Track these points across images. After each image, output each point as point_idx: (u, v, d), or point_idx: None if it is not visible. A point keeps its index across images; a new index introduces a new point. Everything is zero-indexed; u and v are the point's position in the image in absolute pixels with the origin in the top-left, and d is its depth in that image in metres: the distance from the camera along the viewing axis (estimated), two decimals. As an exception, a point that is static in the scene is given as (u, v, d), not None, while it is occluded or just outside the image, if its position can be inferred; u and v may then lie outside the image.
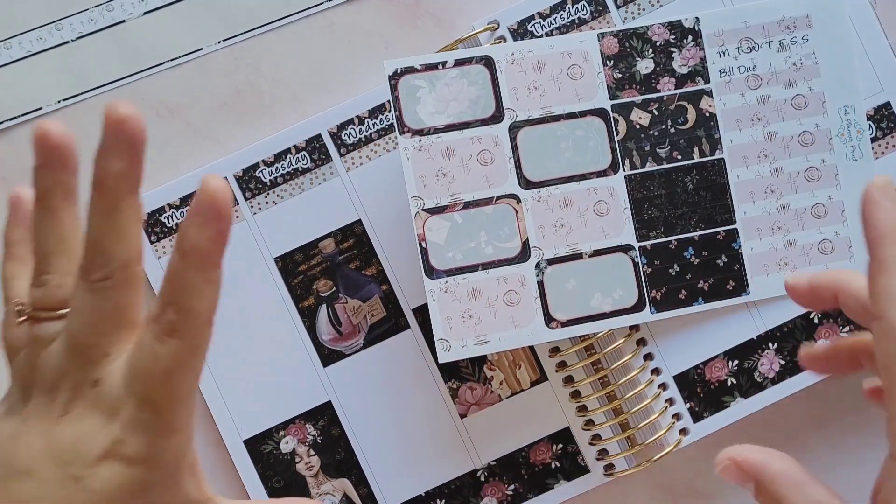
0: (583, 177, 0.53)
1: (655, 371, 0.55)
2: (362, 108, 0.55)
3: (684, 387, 0.55)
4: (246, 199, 0.55)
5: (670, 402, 0.55)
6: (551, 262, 0.52)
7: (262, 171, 0.55)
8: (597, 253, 0.53)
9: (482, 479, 0.55)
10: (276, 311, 0.55)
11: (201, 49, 0.56)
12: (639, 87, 0.53)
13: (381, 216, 0.56)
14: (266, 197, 0.55)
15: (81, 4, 0.55)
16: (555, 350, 0.55)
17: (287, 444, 0.55)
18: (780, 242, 0.54)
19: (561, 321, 0.52)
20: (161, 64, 0.56)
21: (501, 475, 0.55)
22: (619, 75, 0.53)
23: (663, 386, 0.55)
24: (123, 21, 0.56)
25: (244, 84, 0.56)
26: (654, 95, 0.53)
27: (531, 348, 0.55)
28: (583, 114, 0.53)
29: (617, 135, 0.53)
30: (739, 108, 0.54)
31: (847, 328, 0.55)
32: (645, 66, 0.53)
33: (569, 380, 0.55)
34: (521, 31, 0.54)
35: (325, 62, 0.56)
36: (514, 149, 0.52)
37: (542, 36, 0.54)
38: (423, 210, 0.52)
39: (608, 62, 0.53)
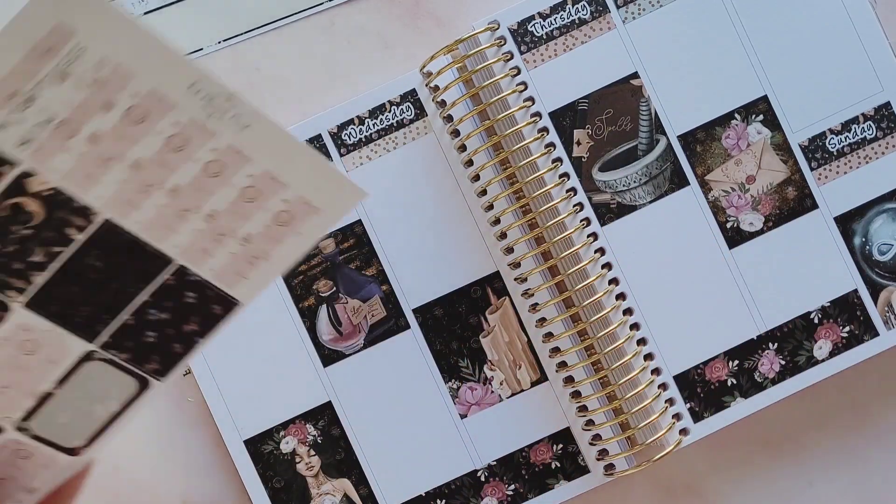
0: None
1: (655, 371, 0.55)
2: (362, 108, 0.55)
3: (684, 387, 0.55)
4: (246, 199, 0.55)
5: (670, 402, 0.55)
6: (28, 417, 0.45)
7: (262, 171, 0.55)
8: (64, 380, 0.45)
9: (482, 479, 0.55)
10: (276, 311, 0.55)
11: (201, 49, 0.56)
12: None
13: (382, 216, 0.56)
14: (266, 197, 0.55)
15: (81, 4, 0.55)
16: (555, 350, 0.55)
17: (287, 444, 0.55)
18: (235, 245, 0.45)
19: None
20: (161, 64, 0.56)
21: (502, 475, 0.55)
22: None
23: (663, 386, 0.55)
24: (123, 21, 0.56)
25: (244, 84, 0.56)
26: None
27: (531, 348, 0.55)
28: None
29: None
30: (77, 163, 0.42)
31: (847, 328, 0.55)
32: None
33: (569, 380, 0.55)
34: (521, 31, 0.54)
35: (325, 62, 0.56)
36: None
37: (542, 36, 0.54)
38: None
39: None
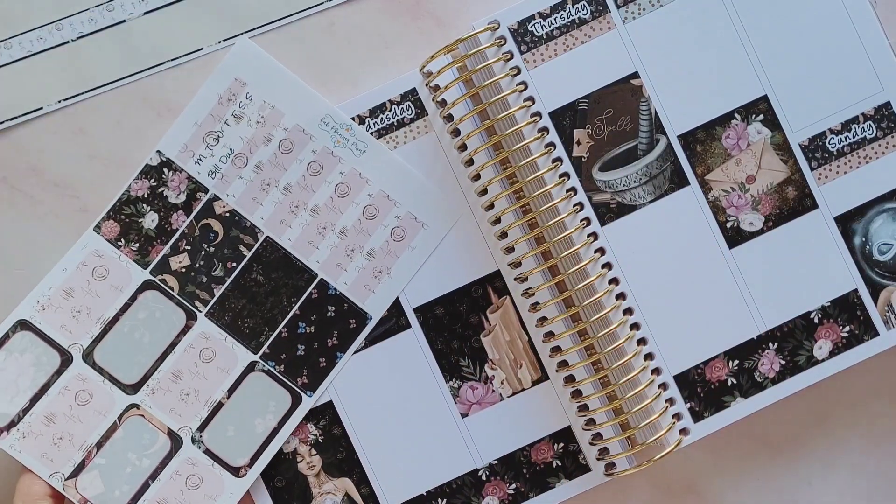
0: (172, 345, 0.54)
1: (655, 371, 0.55)
2: (363, 108, 0.55)
3: (684, 387, 0.55)
4: (246, 199, 0.56)
5: (670, 401, 0.55)
6: (202, 427, 0.54)
7: (262, 171, 0.56)
8: (232, 390, 0.54)
9: (483, 478, 0.56)
10: (277, 311, 0.56)
11: (201, 49, 0.56)
12: (160, 240, 0.54)
13: (382, 216, 0.56)
14: (266, 197, 0.56)
15: (82, 4, 0.55)
16: (555, 349, 0.55)
17: (289, 444, 0.55)
18: (362, 260, 0.55)
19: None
20: (161, 64, 0.56)
21: (503, 474, 0.56)
22: (137, 245, 0.54)
23: (663, 386, 0.55)
24: (124, 21, 0.56)
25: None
26: (177, 235, 0.54)
27: (532, 347, 0.56)
28: (134, 297, 0.54)
29: (172, 290, 0.54)
30: (247, 188, 0.54)
31: (847, 328, 0.55)
32: (150, 220, 0.54)
33: (569, 379, 0.55)
34: (521, 31, 0.54)
35: (325, 62, 0.56)
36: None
37: (542, 36, 0.54)
38: None
39: (119, 243, 0.54)
